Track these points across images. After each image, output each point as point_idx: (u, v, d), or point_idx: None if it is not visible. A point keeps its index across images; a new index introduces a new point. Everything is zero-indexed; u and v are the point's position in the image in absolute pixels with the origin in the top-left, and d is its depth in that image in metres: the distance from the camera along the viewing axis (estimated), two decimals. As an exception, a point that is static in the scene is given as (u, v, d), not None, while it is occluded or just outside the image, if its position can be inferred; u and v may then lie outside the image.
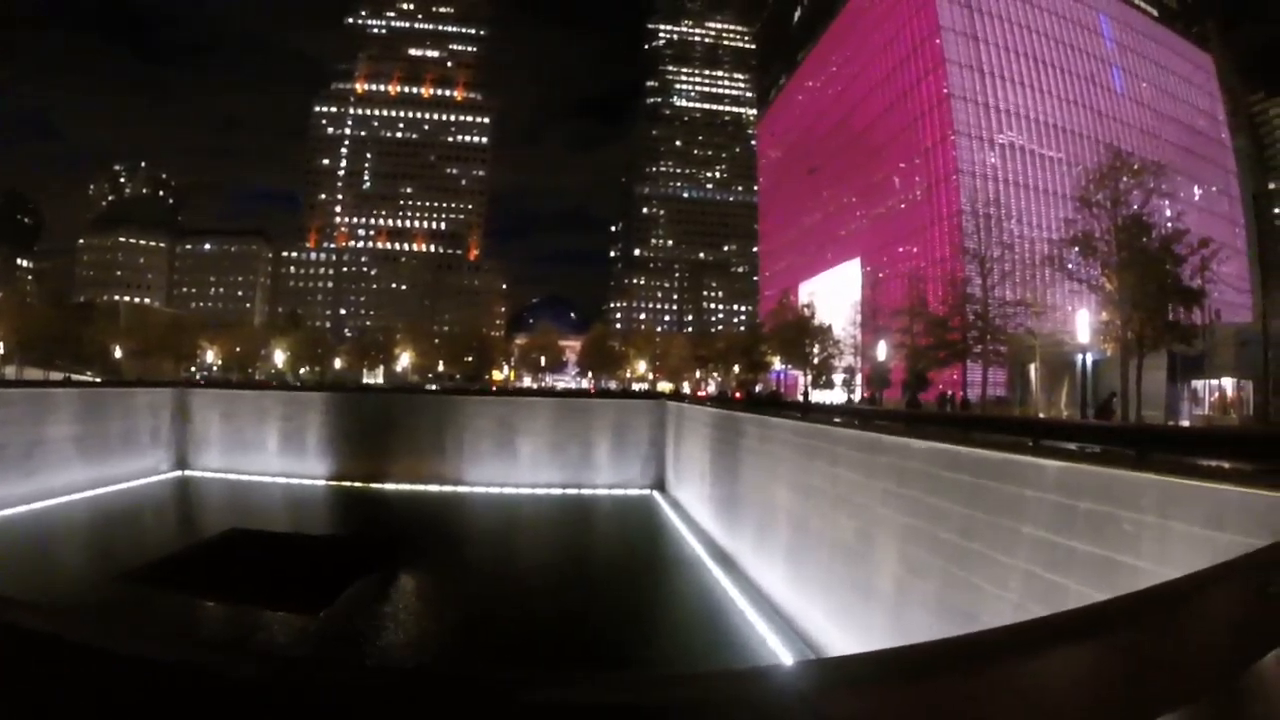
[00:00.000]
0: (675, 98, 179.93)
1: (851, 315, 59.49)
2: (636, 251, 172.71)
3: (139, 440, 46.53)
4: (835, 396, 59.58)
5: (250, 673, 1.53)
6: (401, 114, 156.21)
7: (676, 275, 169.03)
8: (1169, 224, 32.70)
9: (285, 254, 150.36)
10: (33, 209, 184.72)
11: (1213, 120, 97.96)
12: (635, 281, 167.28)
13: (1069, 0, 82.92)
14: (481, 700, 1.39)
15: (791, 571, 21.86)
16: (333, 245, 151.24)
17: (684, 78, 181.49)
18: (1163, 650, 1.70)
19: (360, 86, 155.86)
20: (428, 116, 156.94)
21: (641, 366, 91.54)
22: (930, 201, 76.82)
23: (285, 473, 47.84)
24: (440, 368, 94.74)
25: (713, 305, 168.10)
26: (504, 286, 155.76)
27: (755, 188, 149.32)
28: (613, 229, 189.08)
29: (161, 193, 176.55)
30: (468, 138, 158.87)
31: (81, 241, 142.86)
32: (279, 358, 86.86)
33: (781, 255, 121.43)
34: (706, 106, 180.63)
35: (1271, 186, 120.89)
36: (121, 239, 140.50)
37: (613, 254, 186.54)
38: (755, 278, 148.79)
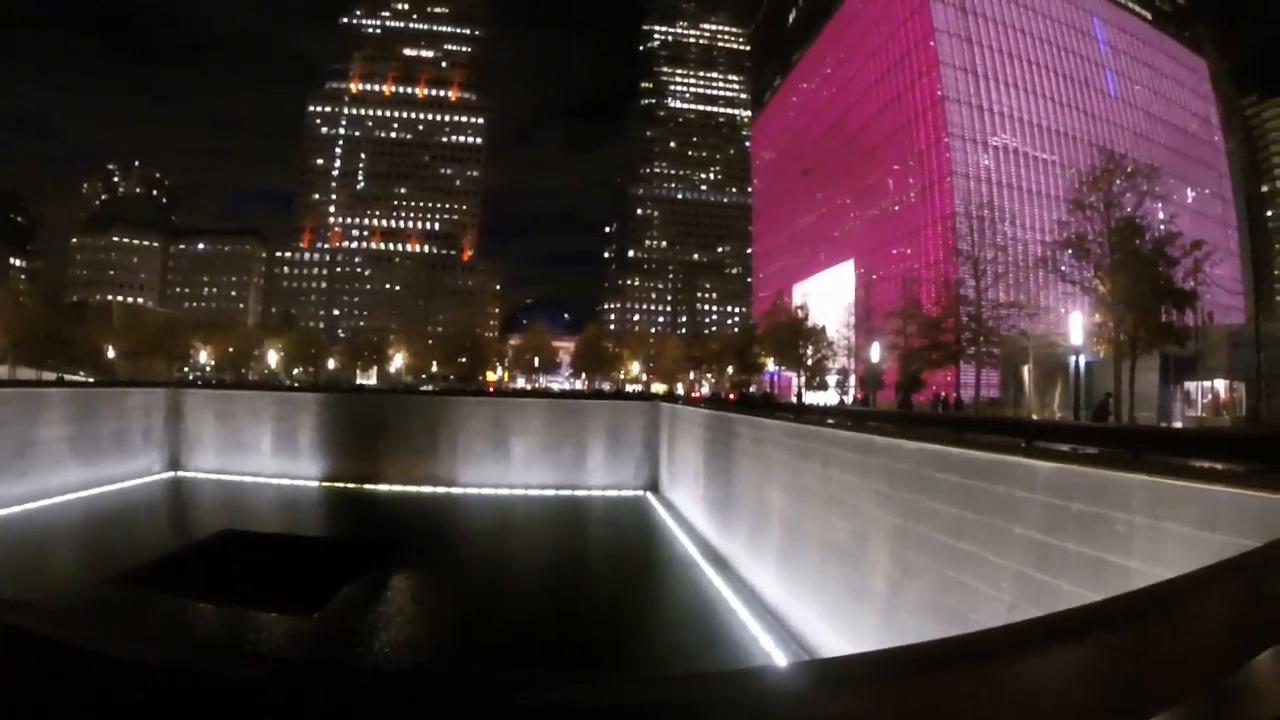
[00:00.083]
0: (670, 99, 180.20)
1: (845, 317, 59.72)
2: (630, 252, 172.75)
3: (132, 441, 46.26)
4: (829, 398, 59.73)
5: (243, 674, 1.52)
6: (396, 114, 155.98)
7: (670, 276, 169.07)
8: (1162, 226, 32.84)
9: (279, 254, 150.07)
10: (26, 208, 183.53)
11: (1206, 123, 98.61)
12: (629, 282, 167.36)
13: (1063, 4, 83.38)
14: (476, 701, 1.38)
15: (784, 572, 21.88)
16: (327, 245, 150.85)
17: (679, 79, 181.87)
18: (1158, 649, 1.71)
19: (355, 86, 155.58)
20: (422, 117, 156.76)
21: (635, 368, 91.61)
22: (924, 203, 77.06)
23: (279, 474, 47.62)
24: (434, 368, 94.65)
25: (707, 306, 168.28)
26: (498, 287, 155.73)
27: (750, 189, 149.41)
28: (607, 230, 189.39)
29: (155, 192, 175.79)
30: (462, 138, 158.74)
31: (75, 241, 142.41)
32: (272, 358, 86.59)
33: (776, 257, 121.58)
34: (701, 108, 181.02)
35: (1264, 189, 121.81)
36: (115, 239, 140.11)
37: (607, 255, 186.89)
38: (749, 279, 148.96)
